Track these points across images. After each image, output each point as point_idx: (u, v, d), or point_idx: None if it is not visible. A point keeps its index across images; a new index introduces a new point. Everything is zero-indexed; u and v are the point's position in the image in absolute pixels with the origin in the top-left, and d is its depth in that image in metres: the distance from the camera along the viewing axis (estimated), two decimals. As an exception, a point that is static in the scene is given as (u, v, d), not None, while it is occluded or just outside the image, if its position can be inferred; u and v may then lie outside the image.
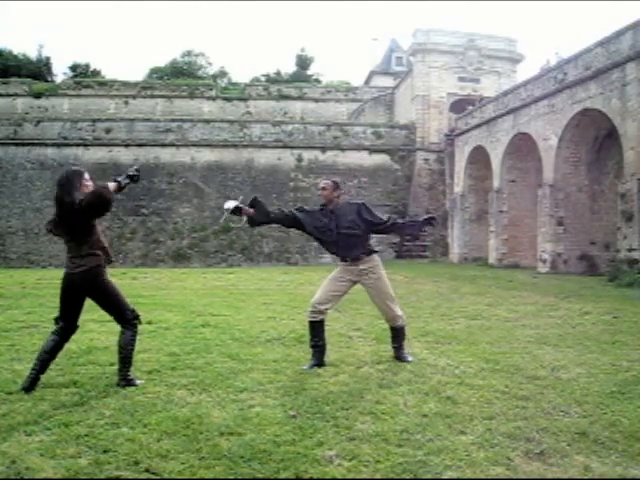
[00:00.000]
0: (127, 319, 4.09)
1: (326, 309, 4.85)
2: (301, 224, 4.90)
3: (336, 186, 4.95)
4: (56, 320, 4.12)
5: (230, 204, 4.67)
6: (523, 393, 3.94)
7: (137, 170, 4.14)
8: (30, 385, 3.85)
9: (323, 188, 4.92)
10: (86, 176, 4.09)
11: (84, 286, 3.96)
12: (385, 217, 4.96)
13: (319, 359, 4.76)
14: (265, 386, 4.06)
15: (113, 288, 4.09)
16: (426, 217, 5.02)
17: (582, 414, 3.50)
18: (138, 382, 4.06)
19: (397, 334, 5.01)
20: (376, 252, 5.01)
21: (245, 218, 4.80)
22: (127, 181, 4.05)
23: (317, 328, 4.82)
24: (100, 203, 3.78)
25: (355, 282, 4.93)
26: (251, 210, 4.76)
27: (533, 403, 3.71)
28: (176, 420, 3.28)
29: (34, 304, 8.64)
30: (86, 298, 4.06)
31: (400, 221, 5.08)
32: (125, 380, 4.00)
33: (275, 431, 3.13)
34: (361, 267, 4.85)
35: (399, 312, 4.99)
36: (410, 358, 4.95)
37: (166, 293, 10.98)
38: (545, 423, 3.32)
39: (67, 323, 4.07)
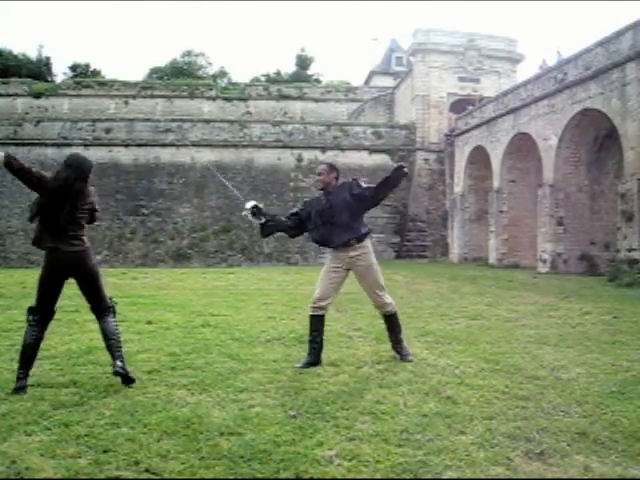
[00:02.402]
0: (107, 306, 4.14)
1: (328, 304, 4.86)
2: (304, 217, 4.93)
3: (332, 168, 4.97)
4: (32, 310, 4.01)
5: (249, 204, 4.85)
6: (523, 393, 3.94)
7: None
8: (21, 386, 3.82)
9: (319, 173, 4.95)
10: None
11: (78, 266, 3.99)
12: (370, 187, 4.90)
13: (315, 357, 4.73)
14: (265, 386, 4.06)
15: (99, 274, 4.16)
16: (396, 167, 4.97)
17: (582, 414, 3.50)
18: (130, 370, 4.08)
19: (390, 323, 4.97)
20: (367, 234, 4.95)
21: (263, 219, 4.89)
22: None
23: (317, 322, 4.81)
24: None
25: (348, 270, 4.89)
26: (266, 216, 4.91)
27: (533, 403, 3.71)
28: (176, 420, 3.27)
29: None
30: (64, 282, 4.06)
31: (380, 181, 4.98)
32: (125, 370, 3.99)
33: (275, 431, 3.12)
34: (351, 254, 4.81)
35: (388, 300, 4.93)
36: (411, 358, 4.91)
37: (166, 293, 10.98)
38: (545, 423, 3.32)
39: (46, 311, 4.03)
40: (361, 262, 4.84)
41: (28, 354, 3.93)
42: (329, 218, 4.80)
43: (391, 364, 4.79)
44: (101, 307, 4.14)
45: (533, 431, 3.18)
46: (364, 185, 4.90)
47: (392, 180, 4.89)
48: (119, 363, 3.98)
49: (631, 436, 3.12)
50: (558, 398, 3.83)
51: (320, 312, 4.82)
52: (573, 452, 2.90)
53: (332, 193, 4.88)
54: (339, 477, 2.59)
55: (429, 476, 2.61)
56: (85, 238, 4.07)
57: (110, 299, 4.19)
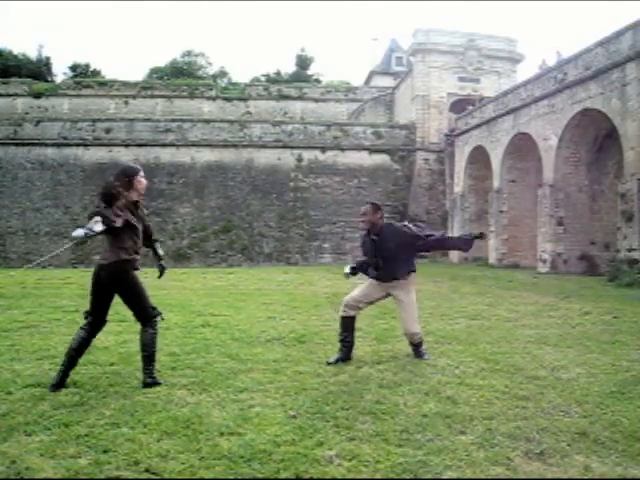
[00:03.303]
0: (148, 317, 4.10)
1: (358, 307, 5.03)
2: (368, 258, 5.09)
3: (376, 208, 4.99)
4: (86, 314, 4.08)
5: (347, 269, 5.27)
6: (523, 393, 3.94)
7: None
8: (59, 383, 3.87)
9: (364, 214, 4.95)
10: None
11: (119, 278, 4.01)
12: (425, 233, 4.98)
13: (346, 354, 4.90)
14: (265, 386, 4.06)
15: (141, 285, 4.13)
16: (476, 234, 5.13)
17: (582, 414, 3.50)
18: (161, 381, 4.07)
19: (415, 347, 5.10)
20: (414, 271, 5.12)
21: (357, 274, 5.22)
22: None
23: (348, 323, 4.96)
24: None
25: (388, 295, 5.10)
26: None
27: (533, 403, 3.71)
28: (176, 420, 3.27)
29: (34, 304, 8.63)
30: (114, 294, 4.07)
31: (438, 236, 5.10)
32: (151, 378, 4.01)
33: (275, 431, 3.12)
34: (393, 283, 5.00)
35: (417, 330, 5.05)
36: (427, 356, 5.04)
37: (166, 293, 10.97)
38: (545, 423, 3.32)
39: (97, 317, 4.06)
40: (401, 290, 5.01)
41: (71, 354, 3.98)
42: (376, 263, 4.94)
43: (391, 364, 4.79)
44: (141, 318, 4.14)
45: (533, 431, 3.18)
46: (415, 231, 4.93)
47: (458, 243, 5.10)
48: (146, 375, 4.03)
49: (631, 436, 3.12)
50: (558, 398, 3.83)
51: (350, 313, 4.97)
52: (573, 452, 2.90)
53: (379, 236, 4.92)
54: (339, 477, 2.59)
55: (429, 476, 2.61)
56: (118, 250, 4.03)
57: (154, 309, 4.16)
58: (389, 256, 4.88)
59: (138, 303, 4.08)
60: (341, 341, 4.95)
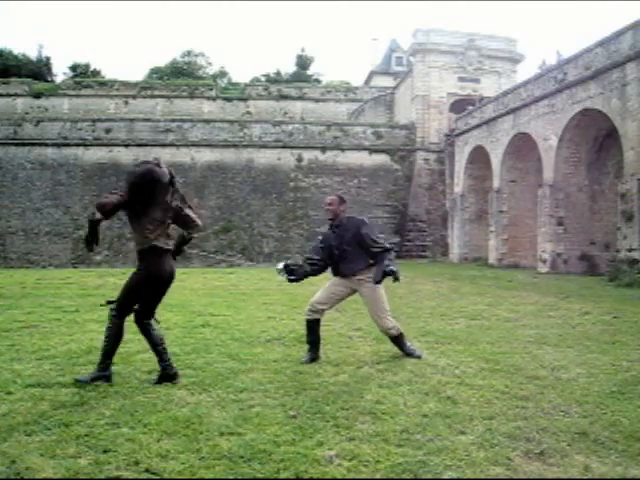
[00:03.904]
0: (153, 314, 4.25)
1: (323, 309, 5.06)
2: (326, 256, 5.05)
3: (341, 201, 5.11)
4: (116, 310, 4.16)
5: (280, 265, 5.09)
6: (523, 393, 3.94)
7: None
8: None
9: (330, 203, 5.08)
10: None
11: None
12: (378, 244, 4.90)
13: (315, 353, 4.97)
14: (265, 386, 4.05)
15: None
16: (392, 270, 4.77)
17: (582, 414, 3.50)
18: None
19: (396, 342, 5.13)
20: (371, 265, 5.03)
21: (293, 277, 5.05)
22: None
23: (313, 327, 5.01)
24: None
25: (354, 290, 5.10)
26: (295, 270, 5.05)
27: (533, 403, 3.71)
28: (176, 420, 3.27)
29: (34, 304, 8.63)
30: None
31: (384, 256, 4.90)
32: (172, 368, 4.10)
33: (275, 431, 3.12)
34: (358, 277, 5.00)
35: (389, 324, 5.02)
36: (418, 352, 5.08)
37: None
38: (545, 423, 3.32)
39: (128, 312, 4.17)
40: (366, 285, 4.97)
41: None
42: (340, 253, 4.97)
43: (391, 364, 4.79)
44: (149, 315, 4.26)
45: (533, 431, 3.18)
46: (372, 237, 4.91)
47: (380, 268, 4.85)
48: (167, 367, 4.11)
49: (631, 436, 3.12)
50: (558, 398, 3.83)
51: (314, 316, 5.01)
52: (573, 452, 2.90)
53: (340, 227, 5.03)
54: (339, 477, 2.59)
55: (429, 476, 2.61)
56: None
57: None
58: (348, 249, 4.93)
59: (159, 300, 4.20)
60: (309, 342, 5.00)
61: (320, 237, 5.24)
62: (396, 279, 4.78)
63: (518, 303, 9.53)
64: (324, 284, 5.22)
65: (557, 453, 2.89)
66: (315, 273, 5.09)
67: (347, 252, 4.95)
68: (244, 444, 2.93)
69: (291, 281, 5.04)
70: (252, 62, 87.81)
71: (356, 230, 4.94)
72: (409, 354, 5.04)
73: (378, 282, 4.78)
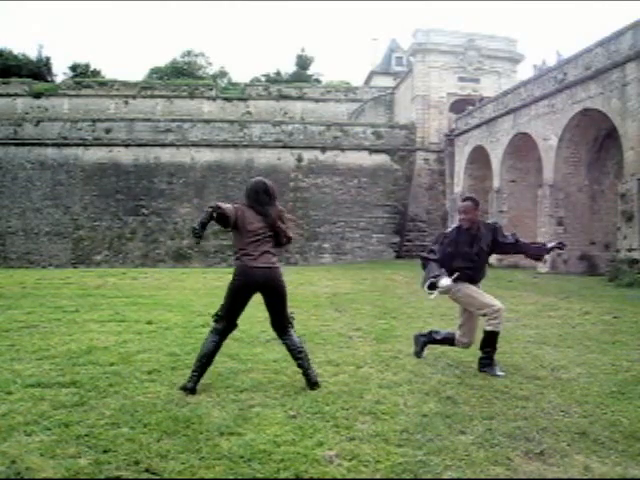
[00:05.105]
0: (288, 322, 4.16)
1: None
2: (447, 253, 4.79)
3: (477, 205, 4.81)
4: (217, 318, 4.06)
5: (446, 281, 4.52)
6: (523, 393, 3.94)
7: None
8: (192, 387, 3.85)
9: (465, 211, 4.73)
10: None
11: (267, 283, 4.01)
12: (513, 238, 4.85)
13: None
14: (265, 386, 4.05)
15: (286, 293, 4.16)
16: (555, 244, 4.87)
17: (582, 414, 3.50)
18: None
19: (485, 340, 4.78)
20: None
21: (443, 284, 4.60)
22: None
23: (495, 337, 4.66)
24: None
25: None
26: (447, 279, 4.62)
27: (533, 403, 3.71)
28: (176, 420, 3.27)
29: (34, 304, 8.63)
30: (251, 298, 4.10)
31: (524, 241, 4.94)
32: (315, 377, 4.05)
33: (275, 431, 3.12)
34: (479, 284, 4.90)
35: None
36: (500, 373, 4.55)
37: (166, 293, 10.97)
38: (545, 423, 3.32)
39: (230, 321, 4.07)
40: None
41: (204, 361, 3.94)
42: (474, 262, 4.74)
43: (391, 364, 4.79)
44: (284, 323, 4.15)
45: (533, 431, 3.18)
46: (507, 235, 4.83)
47: (536, 250, 4.85)
48: (313, 376, 4.03)
49: (631, 436, 3.12)
50: (558, 398, 3.83)
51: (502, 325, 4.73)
52: (573, 452, 2.90)
53: (477, 235, 4.73)
54: (339, 477, 2.59)
55: (429, 476, 2.61)
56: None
57: (291, 313, 4.21)
58: (484, 256, 4.76)
59: (285, 310, 4.14)
60: (493, 355, 4.66)
61: (446, 239, 4.80)
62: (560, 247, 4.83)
63: (518, 303, 9.53)
64: (469, 292, 4.71)
65: (557, 453, 2.89)
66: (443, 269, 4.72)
67: (481, 263, 4.78)
68: (244, 444, 2.93)
69: (447, 289, 4.56)
70: (252, 62, 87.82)
71: (492, 236, 4.75)
72: (485, 369, 4.65)
73: (548, 251, 4.82)
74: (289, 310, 4.18)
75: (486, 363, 4.63)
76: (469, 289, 4.72)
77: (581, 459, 2.81)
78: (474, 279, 4.79)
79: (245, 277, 3.97)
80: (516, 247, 4.86)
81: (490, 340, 4.63)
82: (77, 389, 3.90)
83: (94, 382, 4.09)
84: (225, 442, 2.97)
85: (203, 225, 3.86)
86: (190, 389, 3.83)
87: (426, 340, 5.08)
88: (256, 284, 3.96)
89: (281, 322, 4.13)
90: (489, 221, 5.04)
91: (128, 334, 5.99)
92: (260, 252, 3.98)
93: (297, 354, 4.05)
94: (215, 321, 4.06)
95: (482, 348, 4.67)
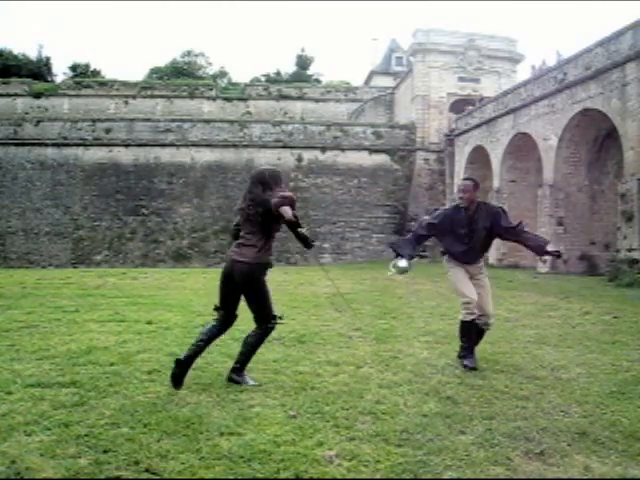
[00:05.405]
0: (268, 320, 4.14)
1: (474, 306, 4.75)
2: (436, 234, 4.88)
3: (477, 185, 4.80)
4: (216, 308, 4.15)
5: (402, 262, 4.70)
6: (523, 393, 3.94)
7: None
8: (185, 357, 3.90)
9: (463, 191, 4.72)
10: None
11: (243, 278, 3.98)
12: (515, 224, 4.79)
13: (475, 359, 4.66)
14: (265, 386, 4.05)
15: (266, 289, 4.11)
16: (553, 250, 4.78)
17: (582, 414, 3.50)
18: (251, 382, 4.07)
19: (481, 335, 4.94)
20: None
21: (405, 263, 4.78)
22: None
23: (472, 328, 4.71)
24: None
25: (471, 278, 4.84)
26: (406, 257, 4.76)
27: (533, 403, 3.71)
28: (176, 420, 3.27)
29: (34, 304, 8.62)
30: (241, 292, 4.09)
31: (527, 230, 4.89)
32: (241, 377, 4.07)
33: (275, 431, 3.12)
34: (479, 264, 4.89)
35: (494, 312, 4.97)
36: (467, 363, 4.62)
37: (166, 293, 10.97)
38: (545, 423, 3.32)
39: (227, 312, 4.11)
40: (482, 272, 4.90)
41: (203, 339, 4.01)
42: (469, 241, 4.72)
43: (391, 364, 4.79)
44: (262, 320, 4.16)
45: (533, 431, 3.18)
46: (510, 222, 4.75)
47: (535, 243, 4.79)
48: (237, 373, 4.07)
49: (631, 436, 3.12)
50: (558, 398, 3.83)
51: (474, 316, 4.70)
52: (573, 452, 2.90)
53: (473, 216, 4.71)
54: (339, 477, 2.59)
55: (429, 476, 2.61)
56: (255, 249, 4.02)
57: (275, 317, 4.17)
58: (480, 235, 4.68)
59: (263, 307, 4.12)
60: (472, 347, 4.69)
61: (438, 214, 4.86)
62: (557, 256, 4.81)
63: (518, 303, 9.53)
64: (454, 278, 4.82)
65: (557, 453, 2.89)
66: (419, 249, 4.83)
67: (477, 244, 4.71)
68: (244, 444, 2.92)
69: (403, 270, 4.65)
70: (252, 62, 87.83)
71: (492, 220, 4.66)
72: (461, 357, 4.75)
73: (546, 251, 4.72)
74: (274, 312, 4.15)
75: (460, 355, 4.77)
76: (456, 274, 4.80)
77: (581, 459, 2.81)
78: (467, 261, 4.79)
79: (224, 269, 4.10)
80: (516, 233, 4.75)
81: (461, 329, 4.78)
82: (77, 389, 3.90)
83: (94, 382, 4.09)
84: (225, 442, 2.97)
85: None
86: (181, 359, 3.90)
87: (471, 345, 4.87)
88: (229, 276, 4.02)
89: (257, 318, 4.14)
90: (495, 205, 5.00)
91: (128, 334, 5.99)
92: (236, 244, 4.11)
93: (246, 345, 4.12)
94: (215, 310, 4.18)
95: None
